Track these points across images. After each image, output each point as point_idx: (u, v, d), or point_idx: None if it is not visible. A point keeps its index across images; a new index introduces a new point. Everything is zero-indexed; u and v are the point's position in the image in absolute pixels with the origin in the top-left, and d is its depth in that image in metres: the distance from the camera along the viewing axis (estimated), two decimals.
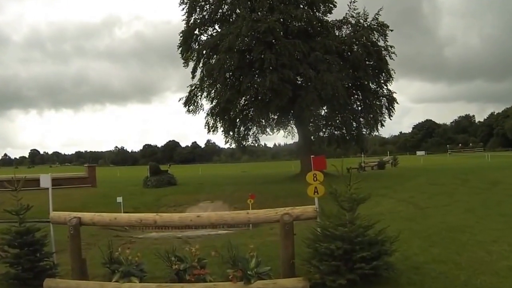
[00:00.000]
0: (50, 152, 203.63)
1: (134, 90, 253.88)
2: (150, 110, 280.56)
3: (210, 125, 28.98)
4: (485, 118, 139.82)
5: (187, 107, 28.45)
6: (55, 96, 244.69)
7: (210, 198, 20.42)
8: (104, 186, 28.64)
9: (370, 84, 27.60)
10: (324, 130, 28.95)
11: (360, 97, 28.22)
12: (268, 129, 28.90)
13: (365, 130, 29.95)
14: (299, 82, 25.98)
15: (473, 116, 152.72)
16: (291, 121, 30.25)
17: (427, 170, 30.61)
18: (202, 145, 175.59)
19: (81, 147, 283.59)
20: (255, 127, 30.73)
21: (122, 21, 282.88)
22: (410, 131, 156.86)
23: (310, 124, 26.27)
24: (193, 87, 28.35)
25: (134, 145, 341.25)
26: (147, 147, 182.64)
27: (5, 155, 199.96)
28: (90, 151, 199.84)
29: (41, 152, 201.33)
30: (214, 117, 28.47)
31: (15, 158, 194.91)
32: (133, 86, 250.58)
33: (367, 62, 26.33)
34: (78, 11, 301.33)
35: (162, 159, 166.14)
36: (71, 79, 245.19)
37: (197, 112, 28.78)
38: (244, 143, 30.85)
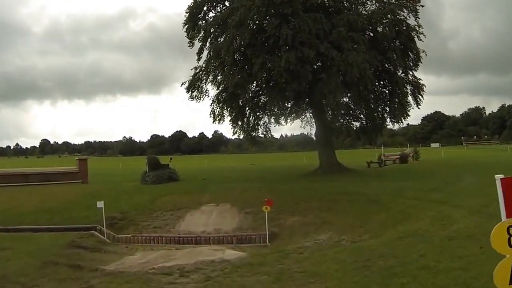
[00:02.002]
0: (60, 142, 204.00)
1: (145, 81, 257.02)
2: (160, 101, 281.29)
3: (216, 114, 25.50)
4: (496, 110, 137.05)
5: (190, 92, 25.00)
6: (69, 87, 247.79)
7: (215, 199, 17.01)
8: (97, 182, 25.50)
9: (398, 68, 23.89)
10: (348, 119, 25.47)
11: (387, 82, 24.56)
12: (282, 119, 25.29)
13: (390, 120, 26.47)
14: (320, 64, 22.45)
15: (483, 108, 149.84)
16: (308, 110, 26.77)
17: (464, 166, 27.63)
18: (210, 135, 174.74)
19: (91, 137, 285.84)
20: (266, 116, 27.32)
21: (137, 13, 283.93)
22: (419, 123, 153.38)
23: (334, 112, 22.48)
24: (197, 70, 24.80)
25: (142, 136, 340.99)
26: (154, 137, 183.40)
27: (17, 144, 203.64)
28: (99, 141, 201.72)
29: (52, 142, 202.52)
30: (220, 105, 24.97)
31: (26, 147, 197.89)
32: (144, 78, 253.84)
33: (396, 42, 22.61)
34: (96, 3, 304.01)
35: (169, 149, 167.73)
36: (85, 71, 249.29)
37: (202, 99, 25.31)
38: (253, 134, 27.44)
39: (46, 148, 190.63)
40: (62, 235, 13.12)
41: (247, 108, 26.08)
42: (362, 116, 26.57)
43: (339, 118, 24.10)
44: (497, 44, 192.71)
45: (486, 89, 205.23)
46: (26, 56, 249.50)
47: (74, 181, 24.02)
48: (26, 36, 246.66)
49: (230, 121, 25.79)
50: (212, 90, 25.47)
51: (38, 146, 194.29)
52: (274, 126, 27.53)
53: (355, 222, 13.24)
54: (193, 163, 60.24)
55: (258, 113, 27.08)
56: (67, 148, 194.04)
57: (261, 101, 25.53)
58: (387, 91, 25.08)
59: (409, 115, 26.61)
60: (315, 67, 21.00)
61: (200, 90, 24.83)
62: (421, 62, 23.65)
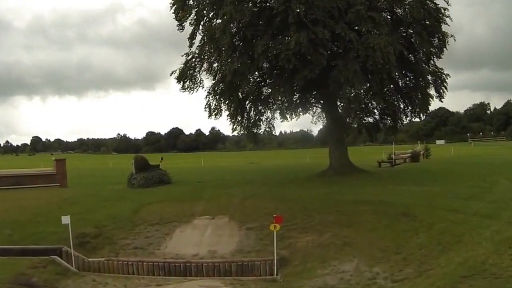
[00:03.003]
0: (52, 140, 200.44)
1: (138, 77, 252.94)
2: (154, 97, 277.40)
3: (212, 108, 22.34)
4: (501, 106, 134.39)
5: (181, 82, 21.75)
6: (59, 82, 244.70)
7: (210, 209, 14.11)
8: (78, 185, 22.64)
9: (421, 54, 20.84)
10: (360, 113, 22.38)
11: (408, 71, 21.52)
12: (288, 113, 22.10)
13: (411, 114, 23.58)
14: (335, 48, 19.40)
15: (488, 104, 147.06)
16: (317, 103, 23.75)
17: (484, 165, 25.82)
18: (207, 132, 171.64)
19: (84, 134, 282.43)
20: (269, 110, 24.32)
21: (125, 7, 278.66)
22: (422, 120, 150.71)
23: (350, 105, 19.13)
24: (189, 57, 21.39)
25: (137, 133, 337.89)
26: (150, 134, 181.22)
27: (7, 142, 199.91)
28: (93, 139, 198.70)
29: (43, 139, 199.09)
30: (217, 97, 21.86)
31: (17, 145, 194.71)
32: (137, 73, 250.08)
33: (420, 24, 19.48)
34: None
35: (166, 147, 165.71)
36: (74, 66, 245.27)
37: (195, 90, 21.98)
38: (255, 131, 24.43)
39: (37, 145, 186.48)
40: (13, 262, 10.27)
41: (247, 102, 23.07)
42: (376, 110, 23.54)
43: (357, 111, 20.81)
44: (500, 40, 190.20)
45: (488, 85, 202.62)
46: (10, 51, 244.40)
47: (51, 185, 21.15)
48: (8, 30, 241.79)
49: (228, 116, 22.72)
50: (207, 80, 22.36)
51: (29, 144, 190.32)
52: (281, 121, 24.44)
53: (388, 246, 10.34)
54: (189, 162, 57.32)
55: (260, 107, 24.08)
56: (59, 145, 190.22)
57: (264, 93, 22.50)
58: (408, 81, 22.06)
59: (429, 110, 23.71)
60: (328, 52, 17.85)
61: (193, 79, 21.59)
62: (446, 49, 20.67)
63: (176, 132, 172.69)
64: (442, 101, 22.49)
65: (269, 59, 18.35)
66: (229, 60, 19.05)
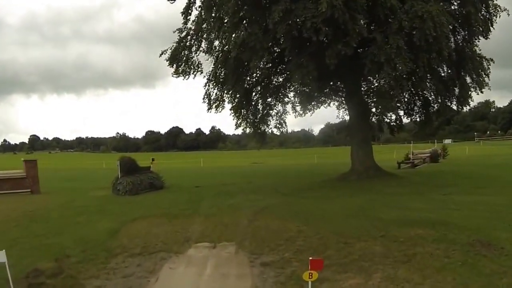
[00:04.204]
0: (50, 138, 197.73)
1: (137, 74, 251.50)
2: (154, 95, 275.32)
3: (213, 98, 18.64)
4: (507, 104, 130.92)
5: (174, 66, 17.91)
6: (56, 80, 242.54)
7: (212, 231, 10.47)
8: (54, 191, 19.44)
9: (467, 31, 16.98)
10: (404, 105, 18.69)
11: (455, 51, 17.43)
12: (310, 104, 18.21)
13: (456, 105, 19.95)
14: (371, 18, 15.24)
15: (493, 102, 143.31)
16: (336, 93, 20.07)
17: None
18: (207, 131, 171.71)
19: (83, 133, 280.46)
20: (279, 104, 20.74)
21: (121, 3, 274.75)
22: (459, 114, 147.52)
23: (389, 93, 15.04)
24: (184, 34, 17.49)
25: (137, 132, 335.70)
26: (149, 133, 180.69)
27: (5, 140, 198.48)
28: (92, 137, 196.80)
29: (42, 138, 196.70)
30: (219, 85, 18.20)
31: (15, 143, 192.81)
32: (136, 71, 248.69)
33: None
34: None
35: (165, 146, 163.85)
36: (72, 64, 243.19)
37: (192, 74, 18.15)
38: (263, 128, 20.83)
39: (35, 144, 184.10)
40: None
41: (254, 94, 19.47)
42: (403, 99, 19.73)
43: (396, 102, 16.65)
44: (503, 37, 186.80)
45: (491, 82, 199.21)
46: (4, 49, 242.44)
47: (19, 191, 17.65)
48: (1, 28, 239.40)
49: (231, 109, 19.09)
50: (206, 64, 18.60)
51: (27, 142, 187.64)
52: (296, 117, 20.84)
53: None
54: (187, 162, 53.81)
55: (269, 99, 20.53)
56: (57, 144, 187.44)
57: (274, 82, 18.87)
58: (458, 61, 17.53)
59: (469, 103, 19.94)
60: (367, 21, 14.10)
61: (189, 62, 17.89)
62: (493, 28, 16.93)
63: (176, 131, 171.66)
64: (480, 93, 18.66)
65: (289, 29, 14.10)
66: (235, 31, 15.13)
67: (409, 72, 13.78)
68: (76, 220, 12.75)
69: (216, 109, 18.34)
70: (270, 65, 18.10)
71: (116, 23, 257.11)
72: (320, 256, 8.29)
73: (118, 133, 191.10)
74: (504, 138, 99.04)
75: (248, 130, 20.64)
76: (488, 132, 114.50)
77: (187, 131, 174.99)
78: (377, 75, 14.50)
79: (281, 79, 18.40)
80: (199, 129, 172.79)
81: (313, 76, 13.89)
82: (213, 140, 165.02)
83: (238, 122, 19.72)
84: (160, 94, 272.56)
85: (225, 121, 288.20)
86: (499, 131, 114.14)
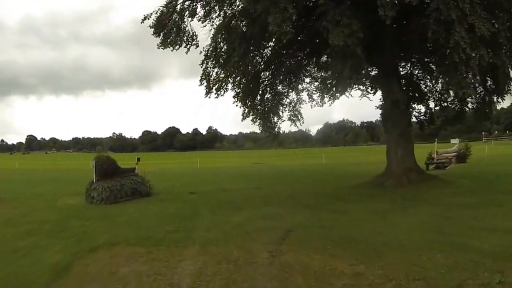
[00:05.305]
0: (47, 138, 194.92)
1: (133, 76, 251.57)
2: (151, 96, 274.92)
3: (212, 77, 14.30)
4: (510, 104, 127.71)
5: (160, 35, 13.48)
6: (55, 82, 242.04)
7: (212, 275, 6.50)
8: (15, 197, 15.75)
9: None
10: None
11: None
12: (340, 86, 14.20)
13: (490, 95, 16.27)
14: None
15: (496, 102, 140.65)
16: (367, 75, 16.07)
17: None
18: (204, 131, 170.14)
19: (79, 133, 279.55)
20: (293, 91, 16.86)
21: (117, 6, 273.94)
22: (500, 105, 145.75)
23: (468, 67, 10.80)
24: None
25: (133, 132, 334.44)
26: (146, 133, 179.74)
27: (2, 141, 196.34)
28: (88, 138, 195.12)
29: (39, 138, 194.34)
30: (219, 62, 14.19)
31: (12, 144, 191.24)
32: (133, 73, 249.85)
33: None
34: None
35: (162, 146, 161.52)
36: (70, 65, 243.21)
37: (184, 46, 13.89)
38: (275, 120, 16.88)
39: (32, 144, 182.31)
40: None
41: (263, 74, 15.49)
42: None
43: (471, 83, 12.32)
44: None
45: None
46: (3, 50, 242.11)
47: None
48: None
49: (236, 95, 15.08)
50: (202, 31, 14.34)
51: (24, 142, 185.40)
52: (313, 107, 16.97)
53: None
54: (183, 163, 49.78)
55: (279, 86, 16.70)
56: (54, 144, 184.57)
57: (288, 62, 14.94)
58: None
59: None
60: None
61: (179, 30, 13.56)
62: None
63: (172, 131, 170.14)
64: None
65: None
66: None
67: (489, 36, 9.74)
68: (17, 245, 8.76)
69: (217, 92, 14.20)
70: (278, 46, 14.05)
71: (113, 26, 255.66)
72: None
73: (114, 133, 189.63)
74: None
75: (258, 123, 16.51)
76: (496, 132, 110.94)
77: (184, 131, 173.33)
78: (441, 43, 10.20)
79: (293, 61, 14.52)
80: (196, 129, 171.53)
81: (358, 39, 9.85)
82: (210, 140, 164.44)
83: (246, 112, 15.68)
84: (156, 95, 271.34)
85: (222, 120, 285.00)
86: (507, 131, 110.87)
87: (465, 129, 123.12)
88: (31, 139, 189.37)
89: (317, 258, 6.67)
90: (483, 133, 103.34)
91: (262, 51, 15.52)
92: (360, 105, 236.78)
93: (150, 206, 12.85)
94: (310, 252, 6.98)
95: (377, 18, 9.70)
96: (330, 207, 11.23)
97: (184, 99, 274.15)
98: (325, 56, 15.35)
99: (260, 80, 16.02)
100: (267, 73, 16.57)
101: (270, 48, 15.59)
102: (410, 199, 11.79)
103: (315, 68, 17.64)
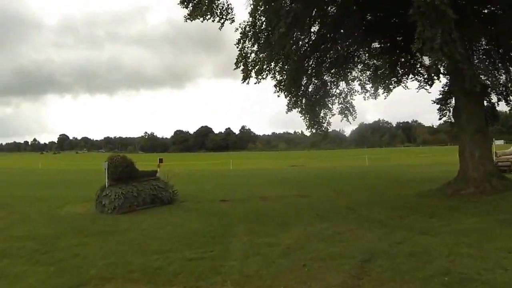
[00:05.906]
0: (79, 138, 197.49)
1: (167, 76, 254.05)
2: (184, 96, 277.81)
3: (250, 61, 11.56)
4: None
5: (189, 6, 11.09)
6: (90, 81, 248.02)
7: None
8: (13, 201, 13.92)
9: None
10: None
11: None
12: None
13: None
14: None
15: None
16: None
17: None
18: (237, 131, 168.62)
19: (111, 133, 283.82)
20: (343, 81, 14.05)
21: (154, 6, 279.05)
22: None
23: None
24: None
25: (165, 131, 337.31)
26: (178, 133, 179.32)
27: (34, 140, 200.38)
28: (119, 137, 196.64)
29: (70, 138, 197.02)
30: (258, 41, 11.39)
31: (44, 143, 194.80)
32: (167, 72, 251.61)
33: None
34: None
35: (194, 146, 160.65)
36: (105, 64, 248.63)
37: (218, 19, 11.42)
38: (321, 114, 14.08)
39: (64, 143, 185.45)
40: None
41: (307, 61, 12.72)
42: None
43: None
44: None
45: None
46: (40, 50, 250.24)
47: None
48: (39, 29, 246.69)
49: (277, 85, 12.36)
50: (241, 9, 12.16)
51: (56, 142, 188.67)
52: (366, 99, 14.22)
53: None
54: (215, 164, 47.36)
55: (325, 75, 13.89)
56: (85, 143, 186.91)
57: (337, 47, 12.15)
58: None
59: None
60: None
61: (212, 3, 11.09)
62: None
63: (204, 131, 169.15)
64: None
65: None
66: None
67: None
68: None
69: (257, 76, 11.42)
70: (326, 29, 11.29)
71: (149, 26, 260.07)
72: None
73: (146, 132, 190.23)
74: None
75: (305, 117, 13.72)
76: None
77: (216, 130, 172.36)
78: None
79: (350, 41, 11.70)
80: (229, 128, 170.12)
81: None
82: (243, 140, 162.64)
83: (292, 101, 12.92)
84: (190, 94, 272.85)
85: (255, 120, 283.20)
86: None
87: (505, 130, 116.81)
88: (63, 138, 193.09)
89: None
90: None
91: (307, 33, 12.83)
92: (395, 105, 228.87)
93: (171, 218, 10.26)
94: None
95: None
96: (406, 224, 8.31)
97: (217, 98, 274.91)
98: (377, 43, 12.68)
99: (305, 68, 13.24)
100: (311, 61, 13.84)
101: (315, 32, 12.95)
102: (509, 212, 8.73)
103: (366, 55, 14.84)
